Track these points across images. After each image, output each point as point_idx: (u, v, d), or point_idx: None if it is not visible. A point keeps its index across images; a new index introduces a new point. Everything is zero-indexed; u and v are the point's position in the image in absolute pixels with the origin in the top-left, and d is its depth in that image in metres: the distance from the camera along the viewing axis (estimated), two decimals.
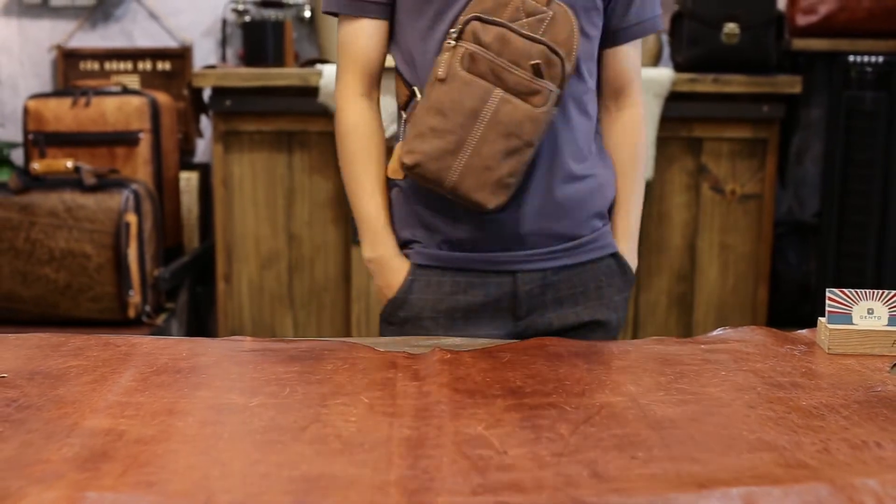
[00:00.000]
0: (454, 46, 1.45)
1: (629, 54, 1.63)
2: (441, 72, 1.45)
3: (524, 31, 1.44)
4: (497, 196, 1.47)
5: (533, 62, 1.44)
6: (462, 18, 1.46)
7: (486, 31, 1.44)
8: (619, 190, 1.66)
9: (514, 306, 1.58)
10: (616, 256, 1.63)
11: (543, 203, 1.56)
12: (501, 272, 1.56)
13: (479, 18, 1.45)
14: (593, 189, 1.60)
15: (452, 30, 1.46)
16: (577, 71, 1.53)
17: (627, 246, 1.66)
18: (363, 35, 1.57)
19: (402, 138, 1.53)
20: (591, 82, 1.59)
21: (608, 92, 1.65)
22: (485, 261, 1.56)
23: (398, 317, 1.58)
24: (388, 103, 2.92)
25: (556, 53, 1.44)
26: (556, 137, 1.54)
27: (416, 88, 1.52)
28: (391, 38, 1.59)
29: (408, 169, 1.47)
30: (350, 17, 1.57)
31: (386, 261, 1.61)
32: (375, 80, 1.61)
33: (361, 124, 1.59)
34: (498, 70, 1.44)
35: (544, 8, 1.45)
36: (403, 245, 1.61)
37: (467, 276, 1.57)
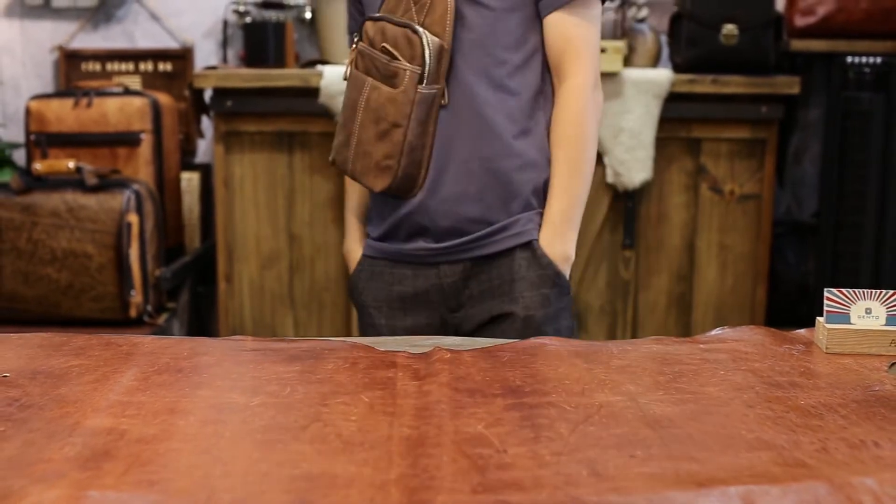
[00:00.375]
0: (354, 47, 1.61)
1: (559, 24, 1.57)
2: (346, 73, 1.61)
3: (396, 19, 1.54)
4: (380, 178, 1.56)
5: (383, 45, 1.54)
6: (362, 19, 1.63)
7: (372, 27, 1.57)
8: (550, 172, 1.59)
9: (442, 298, 1.60)
10: (530, 246, 1.58)
11: (460, 188, 1.57)
12: (425, 264, 1.60)
13: (370, 18, 1.59)
14: (511, 170, 1.57)
15: (355, 33, 1.63)
16: (483, 47, 1.54)
17: (548, 234, 1.58)
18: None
19: None
20: (514, 56, 1.57)
21: (550, 66, 1.61)
22: (410, 253, 1.61)
23: (355, 301, 1.72)
24: None
25: (415, 32, 1.51)
26: (469, 118, 1.55)
27: None
28: None
29: (331, 164, 1.66)
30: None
31: (347, 250, 1.78)
32: None
33: None
34: (374, 60, 1.56)
35: None
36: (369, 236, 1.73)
37: (401, 268, 1.63)
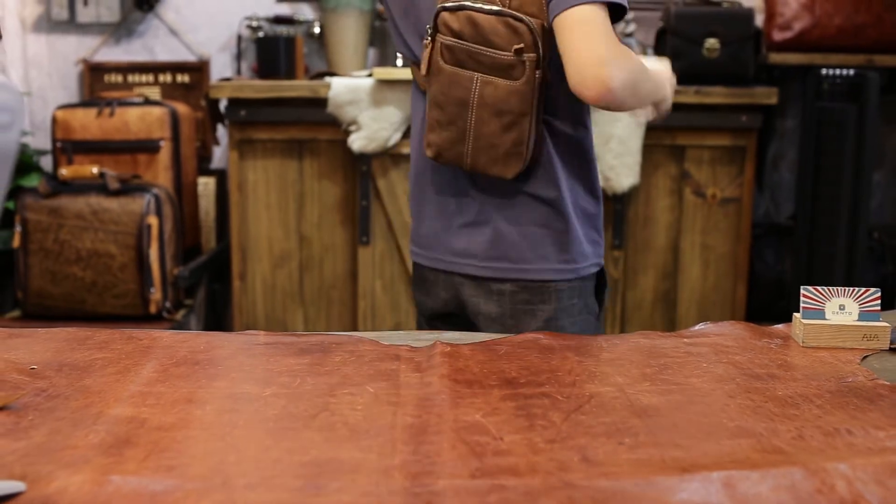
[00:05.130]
0: (432, 41, 1.43)
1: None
2: (429, 68, 1.43)
3: (487, 7, 1.39)
4: (511, 166, 1.44)
5: (483, 36, 1.37)
6: (436, 9, 1.42)
7: (454, 19, 1.41)
8: None
9: None
10: None
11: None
12: None
13: (445, 8, 1.41)
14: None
15: (428, 25, 1.44)
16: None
17: None
18: None
19: None
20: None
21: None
22: None
23: None
24: (392, 113, 2.92)
25: (520, 20, 1.37)
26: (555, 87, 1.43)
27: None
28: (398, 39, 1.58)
29: (434, 158, 1.48)
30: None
31: None
32: None
33: None
34: (474, 54, 1.41)
35: None
36: None
37: None
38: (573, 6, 1.33)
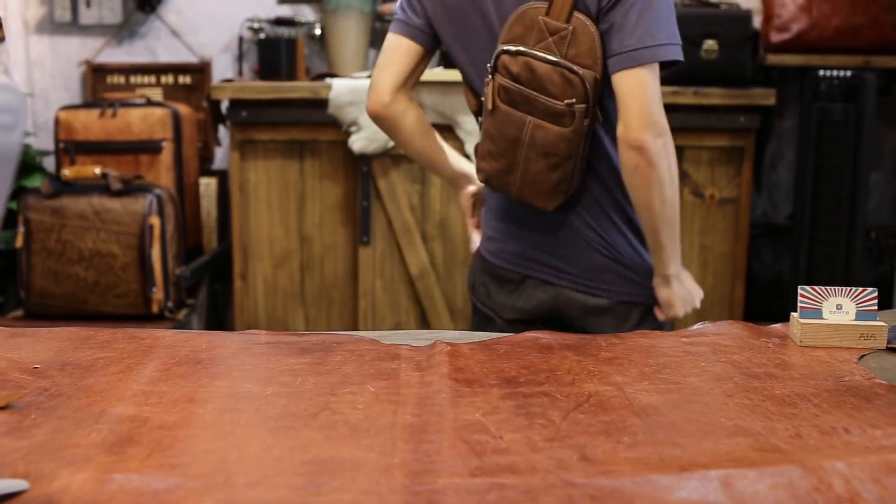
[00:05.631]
0: (492, 80, 1.52)
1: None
2: (489, 104, 1.52)
3: (545, 57, 1.46)
4: (553, 200, 1.55)
5: (539, 84, 1.46)
6: (497, 49, 1.50)
7: (513, 62, 1.49)
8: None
9: None
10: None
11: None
12: None
13: (506, 52, 1.49)
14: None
15: (489, 64, 1.52)
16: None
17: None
18: (401, 48, 1.63)
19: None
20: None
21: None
22: None
23: None
24: None
25: (575, 73, 1.45)
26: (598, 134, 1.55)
27: (483, 98, 1.58)
28: (453, 56, 1.64)
29: (484, 182, 1.60)
30: (391, 34, 1.65)
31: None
32: (408, 84, 1.66)
33: (409, 108, 1.67)
34: (528, 98, 1.49)
35: (565, 25, 1.45)
36: None
37: None
38: (635, 66, 1.43)
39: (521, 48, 1.47)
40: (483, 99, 1.57)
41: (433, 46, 1.65)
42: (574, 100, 1.46)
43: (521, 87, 1.48)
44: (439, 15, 1.59)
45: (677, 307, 1.59)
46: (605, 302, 1.62)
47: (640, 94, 1.45)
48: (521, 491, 0.75)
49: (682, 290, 1.60)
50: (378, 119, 1.67)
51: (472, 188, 1.78)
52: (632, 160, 1.47)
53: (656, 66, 1.46)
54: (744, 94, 2.95)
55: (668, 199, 1.50)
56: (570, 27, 1.45)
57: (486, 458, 0.81)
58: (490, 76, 1.51)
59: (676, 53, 1.47)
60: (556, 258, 1.63)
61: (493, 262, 1.69)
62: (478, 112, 1.64)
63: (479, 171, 1.59)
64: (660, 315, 1.62)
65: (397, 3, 1.66)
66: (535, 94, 1.48)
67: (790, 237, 3.19)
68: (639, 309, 1.63)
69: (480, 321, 1.75)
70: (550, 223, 1.62)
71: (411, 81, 1.66)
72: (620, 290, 1.62)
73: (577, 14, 1.45)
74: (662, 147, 1.47)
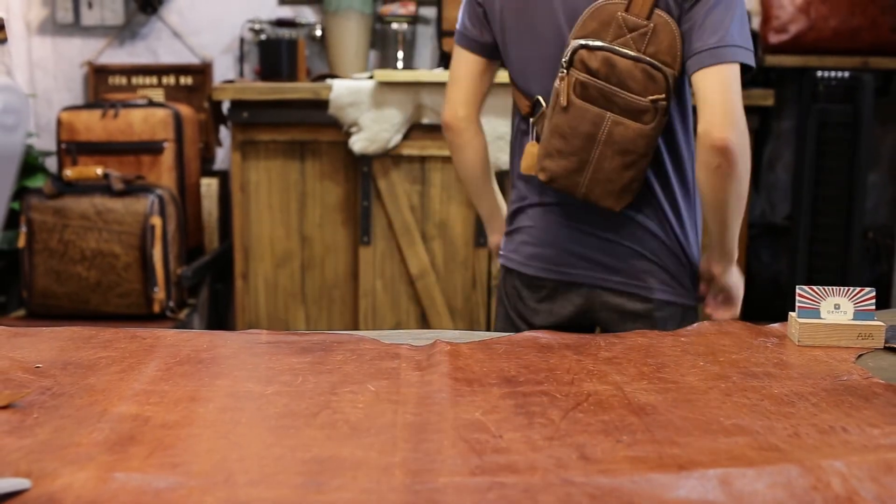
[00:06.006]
0: (566, 75, 1.47)
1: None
2: (562, 100, 1.48)
3: (627, 52, 1.44)
4: (622, 199, 1.52)
5: (620, 79, 1.44)
6: (570, 45, 1.46)
7: (592, 57, 1.45)
8: None
9: None
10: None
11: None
12: None
13: (585, 46, 1.45)
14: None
15: (564, 59, 1.47)
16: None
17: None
18: (466, 64, 1.66)
19: (532, 138, 1.59)
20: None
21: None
22: None
23: None
24: (392, 114, 2.94)
25: (658, 69, 1.43)
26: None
27: (540, 98, 1.56)
28: (505, 60, 1.63)
29: (546, 182, 1.54)
30: (458, 48, 1.66)
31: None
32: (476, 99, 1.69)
33: (479, 133, 1.72)
34: (607, 94, 1.45)
35: (645, 21, 1.43)
36: None
37: None
38: (718, 63, 1.42)
39: (602, 43, 1.44)
40: (544, 98, 1.53)
41: (497, 55, 1.65)
42: (660, 96, 1.43)
43: (600, 83, 1.45)
44: (504, 13, 1.57)
45: (739, 296, 1.65)
46: (640, 307, 1.59)
47: (724, 91, 1.44)
48: (521, 490, 0.75)
49: (740, 280, 1.65)
50: (450, 130, 1.69)
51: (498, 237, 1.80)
52: (713, 159, 1.44)
53: (738, 66, 1.45)
54: (742, 95, 2.94)
55: (743, 195, 1.51)
56: (651, 24, 1.43)
57: (485, 457, 0.81)
58: (565, 71, 1.47)
59: (752, 59, 1.47)
60: (594, 261, 1.60)
61: (524, 273, 1.66)
62: (530, 113, 1.60)
63: (541, 170, 1.53)
64: (717, 312, 1.64)
65: (460, 12, 1.66)
66: (615, 89, 1.44)
67: (788, 237, 3.19)
68: (678, 310, 1.61)
69: (506, 328, 1.71)
70: (597, 224, 1.59)
71: (481, 94, 1.68)
72: (661, 289, 1.60)
73: (658, 11, 1.43)
74: (744, 146, 1.46)
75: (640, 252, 1.59)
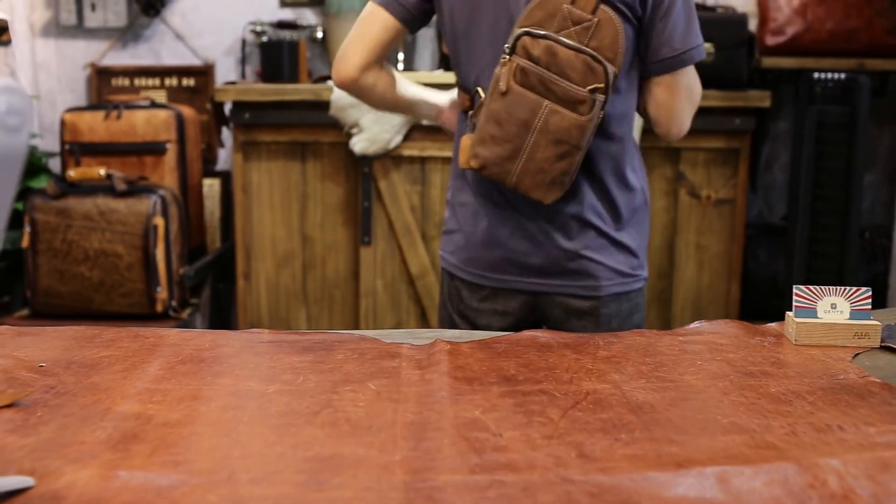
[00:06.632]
0: (508, 61, 1.46)
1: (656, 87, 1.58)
2: (501, 85, 1.46)
3: (569, 42, 1.43)
4: (551, 192, 1.49)
5: (561, 69, 1.44)
6: (515, 32, 1.45)
7: (535, 45, 1.44)
8: None
9: None
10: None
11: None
12: None
13: (528, 34, 1.44)
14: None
15: (507, 45, 1.46)
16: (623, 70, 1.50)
17: None
18: (378, 22, 1.59)
19: (469, 132, 1.55)
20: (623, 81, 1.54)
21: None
22: None
23: None
24: (393, 115, 2.90)
25: (599, 62, 1.43)
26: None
27: (479, 90, 1.53)
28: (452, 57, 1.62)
29: (476, 170, 1.51)
30: (376, 4, 1.60)
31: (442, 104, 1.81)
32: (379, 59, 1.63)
33: (378, 79, 1.65)
34: (547, 82, 1.44)
35: (590, 16, 1.43)
36: None
37: None
38: (682, 69, 1.53)
39: (546, 32, 1.43)
40: (495, 82, 1.49)
41: (414, 26, 1.60)
42: (599, 85, 1.43)
43: (541, 69, 1.44)
44: (454, 12, 1.55)
45: None
46: (587, 304, 1.58)
47: (689, 100, 1.58)
48: (520, 488, 0.75)
49: None
50: (345, 89, 1.64)
51: (447, 108, 1.75)
52: (669, 139, 1.63)
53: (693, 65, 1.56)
54: (740, 97, 2.95)
55: (695, 105, 1.63)
56: (596, 19, 1.43)
57: (485, 455, 0.81)
58: (507, 56, 1.46)
59: (704, 52, 1.56)
60: (532, 268, 1.59)
61: (462, 277, 1.64)
62: (468, 108, 1.58)
63: (474, 157, 1.50)
64: None
65: None
66: (555, 77, 1.44)
67: (785, 237, 3.19)
68: (623, 297, 1.61)
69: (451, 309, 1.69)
70: (533, 227, 1.57)
71: (383, 56, 1.61)
72: (606, 284, 1.59)
73: (603, 7, 1.44)
74: (691, 115, 1.62)
75: (579, 252, 1.57)
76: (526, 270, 1.59)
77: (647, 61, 1.52)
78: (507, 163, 1.48)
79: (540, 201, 1.50)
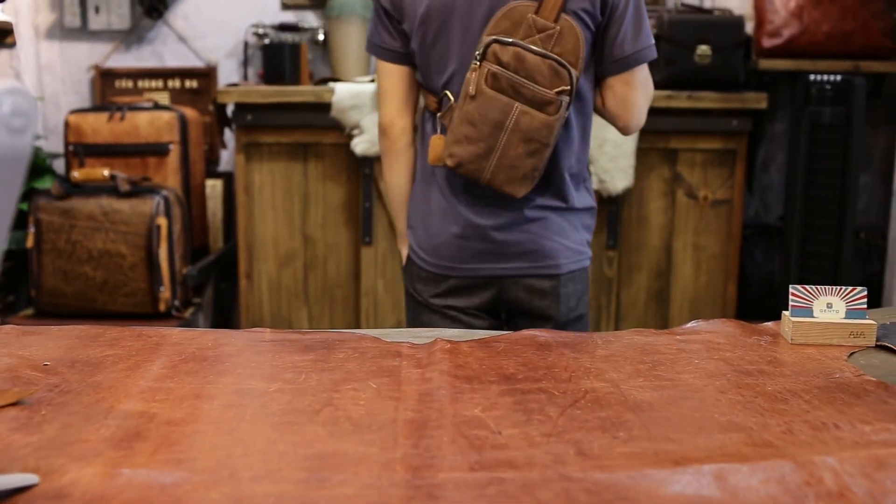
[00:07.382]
0: (479, 66, 1.56)
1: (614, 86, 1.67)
2: (471, 89, 1.56)
3: (536, 49, 1.53)
4: (524, 186, 1.60)
5: (529, 73, 1.53)
6: (484, 41, 1.55)
7: (504, 51, 1.54)
8: None
9: None
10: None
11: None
12: None
13: (497, 41, 1.54)
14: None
15: (477, 52, 1.56)
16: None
17: None
18: (390, 75, 1.71)
19: (439, 132, 1.66)
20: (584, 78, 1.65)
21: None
22: None
23: None
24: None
25: (563, 66, 1.53)
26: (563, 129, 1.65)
27: (448, 92, 1.62)
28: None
29: (452, 168, 1.60)
30: (380, 61, 1.71)
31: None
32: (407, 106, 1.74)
33: (412, 146, 1.76)
34: (516, 85, 1.54)
35: (553, 24, 1.53)
36: None
37: None
38: (638, 66, 1.62)
39: (514, 39, 1.54)
40: (468, 87, 1.57)
41: (413, 60, 1.70)
42: (565, 88, 1.53)
43: (510, 74, 1.54)
44: (429, 16, 1.61)
45: None
46: (548, 284, 1.68)
47: (645, 94, 1.66)
48: (520, 485, 0.75)
49: None
50: (387, 137, 1.73)
51: (399, 245, 1.84)
52: (626, 132, 1.71)
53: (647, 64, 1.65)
54: (736, 98, 2.95)
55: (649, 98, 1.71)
56: (558, 27, 1.53)
57: (485, 452, 0.81)
58: (478, 62, 1.55)
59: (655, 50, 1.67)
60: (498, 253, 1.67)
61: (427, 270, 1.71)
62: (438, 108, 1.66)
63: (450, 156, 1.59)
64: None
65: (370, 26, 1.71)
66: (524, 81, 1.53)
67: (782, 237, 3.19)
68: (579, 274, 1.71)
69: (416, 322, 1.76)
70: (498, 214, 1.66)
71: (409, 100, 1.72)
72: (564, 262, 1.69)
73: (564, 16, 1.54)
74: (647, 109, 1.70)
75: (542, 234, 1.67)
76: (491, 257, 1.68)
77: (606, 62, 1.62)
78: (482, 160, 1.57)
79: (512, 195, 1.59)
